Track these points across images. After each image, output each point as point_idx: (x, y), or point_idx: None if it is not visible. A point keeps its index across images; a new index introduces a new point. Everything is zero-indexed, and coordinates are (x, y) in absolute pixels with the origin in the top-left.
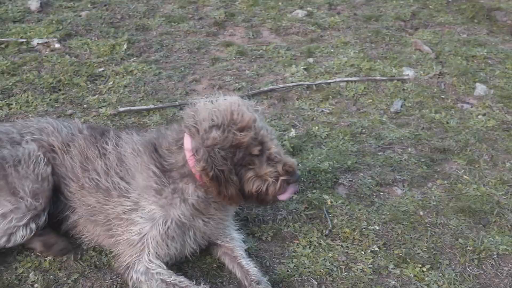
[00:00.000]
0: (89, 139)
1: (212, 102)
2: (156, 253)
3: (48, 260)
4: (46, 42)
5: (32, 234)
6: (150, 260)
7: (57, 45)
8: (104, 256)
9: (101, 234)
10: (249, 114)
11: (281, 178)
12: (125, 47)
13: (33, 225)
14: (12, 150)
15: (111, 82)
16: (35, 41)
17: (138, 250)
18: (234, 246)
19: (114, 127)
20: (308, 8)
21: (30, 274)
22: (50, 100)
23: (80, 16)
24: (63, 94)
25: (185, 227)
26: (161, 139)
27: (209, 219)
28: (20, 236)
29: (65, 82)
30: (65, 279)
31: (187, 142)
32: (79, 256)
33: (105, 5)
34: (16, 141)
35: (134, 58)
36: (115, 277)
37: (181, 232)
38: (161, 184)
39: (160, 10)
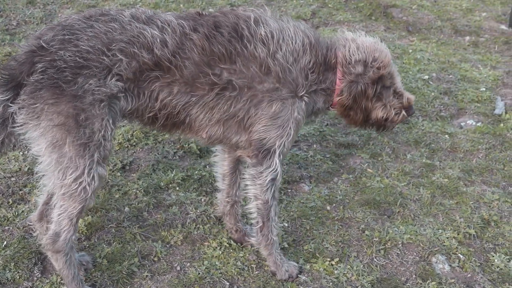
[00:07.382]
0: None
1: (357, 37)
2: None
3: None
4: None
5: None
6: None
7: None
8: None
9: None
10: (388, 53)
11: (403, 109)
12: None
13: None
14: None
15: None
16: None
17: None
18: None
19: None
20: (210, 10)
21: None
22: None
23: None
24: None
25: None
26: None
27: None
28: None
29: None
30: None
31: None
32: None
33: None
34: None
35: None
36: None
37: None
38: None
39: (58, 16)
